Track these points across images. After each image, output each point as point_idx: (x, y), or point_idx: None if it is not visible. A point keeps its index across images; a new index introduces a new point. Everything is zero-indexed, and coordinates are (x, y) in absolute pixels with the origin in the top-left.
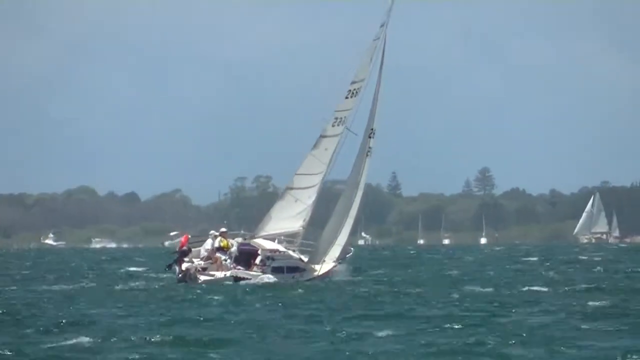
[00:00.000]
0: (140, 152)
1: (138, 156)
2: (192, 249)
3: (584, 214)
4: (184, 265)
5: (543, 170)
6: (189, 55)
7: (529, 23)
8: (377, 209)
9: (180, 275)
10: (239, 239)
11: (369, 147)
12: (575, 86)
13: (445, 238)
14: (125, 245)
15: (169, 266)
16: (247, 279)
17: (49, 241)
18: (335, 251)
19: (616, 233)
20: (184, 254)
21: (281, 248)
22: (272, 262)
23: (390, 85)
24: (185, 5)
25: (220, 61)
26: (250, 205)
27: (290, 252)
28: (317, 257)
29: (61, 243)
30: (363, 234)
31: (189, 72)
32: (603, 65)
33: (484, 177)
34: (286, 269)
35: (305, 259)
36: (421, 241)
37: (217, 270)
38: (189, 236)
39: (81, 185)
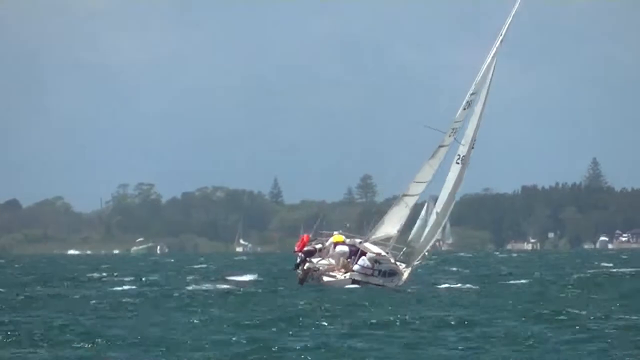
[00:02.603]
0: (20, 159)
1: (18, 163)
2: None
3: (418, 221)
4: (306, 265)
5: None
6: (63, 62)
7: None
8: (258, 216)
9: (301, 275)
10: (357, 240)
11: (468, 157)
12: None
13: None
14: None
15: (297, 266)
16: (365, 282)
17: None
18: (419, 258)
19: (450, 240)
20: (309, 253)
21: (383, 252)
22: (379, 266)
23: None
24: None
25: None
26: (132, 213)
27: (389, 257)
28: (410, 262)
29: None
30: (242, 241)
31: (66, 78)
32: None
33: (366, 185)
34: (387, 272)
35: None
36: None
37: (340, 271)
38: (309, 236)
39: None
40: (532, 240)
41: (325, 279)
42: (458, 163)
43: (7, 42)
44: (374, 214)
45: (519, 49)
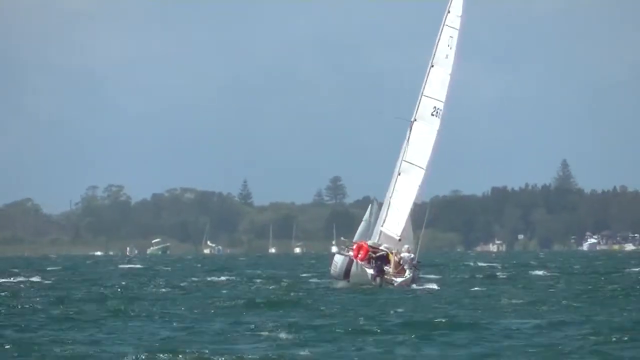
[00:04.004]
0: None
1: None
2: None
3: (362, 222)
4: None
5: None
6: (36, 64)
7: None
8: (227, 217)
9: (380, 281)
10: (386, 245)
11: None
12: None
13: (297, 247)
14: None
15: (379, 273)
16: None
17: None
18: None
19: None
20: (382, 259)
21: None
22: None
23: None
24: None
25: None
26: (101, 214)
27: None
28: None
29: None
30: (209, 243)
31: (38, 80)
32: None
33: (335, 186)
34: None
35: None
36: (272, 250)
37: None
38: (367, 244)
39: None
40: (498, 242)
41: (399, 279)
42: (400, 174)
43: None
44: (343, 215)
45: (487, 50)
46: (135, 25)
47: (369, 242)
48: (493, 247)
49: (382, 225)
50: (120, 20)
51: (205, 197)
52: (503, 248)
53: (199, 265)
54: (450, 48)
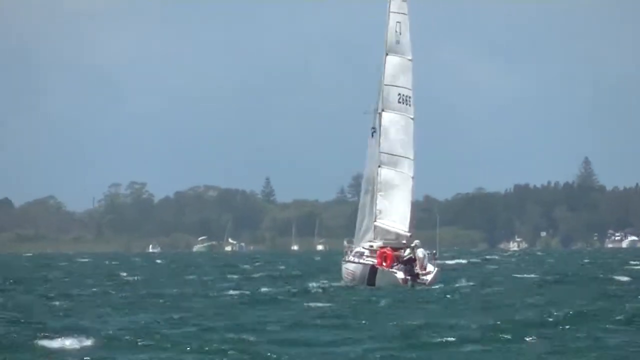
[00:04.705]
0: (12, 158)
1: (11, 162)
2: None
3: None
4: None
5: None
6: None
7: None
8: (250, 215)
9: (412, 282)
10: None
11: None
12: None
13: (320, 244)
14: None
15: (412, 277)
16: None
17: None
18: None
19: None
20: (410, 261)
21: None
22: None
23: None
24: None
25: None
26: (124, 212)
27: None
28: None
29: None
30: (230, 240)
31: (59, 78)
32: None
33: (358, 184)
34: None
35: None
36: (295, 247)
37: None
38: (390, 251)
39: None
40: (518, 239)
41: (428, 277)
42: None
43: None
44: None
45: (510, 49)
46: (154, 23)
47: (378, 243)
48: (513, 245)
49: (376, 220)
50: (139, 18)
51: (228, 194)
52: (524, 245)
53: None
54: (400, 34)
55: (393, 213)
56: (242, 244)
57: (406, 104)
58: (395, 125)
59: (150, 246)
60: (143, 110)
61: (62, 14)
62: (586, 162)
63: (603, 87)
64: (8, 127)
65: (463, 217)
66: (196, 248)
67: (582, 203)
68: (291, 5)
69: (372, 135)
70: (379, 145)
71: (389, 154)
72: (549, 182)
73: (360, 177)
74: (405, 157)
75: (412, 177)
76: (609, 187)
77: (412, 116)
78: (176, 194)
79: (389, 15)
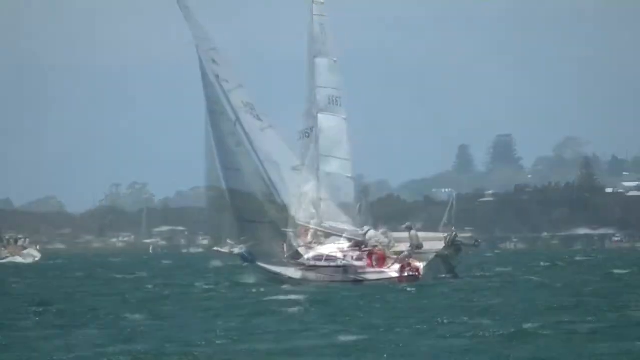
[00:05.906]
0: (13, 158)
1: (11, 162)
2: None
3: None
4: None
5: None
6: (57, 63)
7: None
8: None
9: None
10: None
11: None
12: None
13: None
14: None
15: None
16: None
17: None
18: None
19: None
20: (418, 247)
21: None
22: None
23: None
24: None
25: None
26: (125, 212)
27: None
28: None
29: None
30: (228, 240)
31: (60, 79)
32: None
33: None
34: None
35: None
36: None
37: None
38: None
39: None
40: (515, 240)
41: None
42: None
43: (1, 43)
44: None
45: (509, 47)
46: (154, 23)
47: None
48: (510, 245)
49: (325, 222)
50: (138, 18)
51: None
52: (522, 246)
53: None
54: (325, 35)
55: (343, 214)
56: (242, 246)
57: (337, 105)
58: (330, 125)
59: (151, 247)
60: (145, 110)
61: (66, 14)
62: (587, 163)
63: (603, 87)
64: (8, 128)
65: (461, 216)
66: (194, 249)
67: (583, 204)
68: None
69: (308, 137)
70: (318, 147)
71: (327, 155)
72: (549, 183)
73: (360, 177)
74: (342, 159)
75: (351, 178)
76: (609, 189)
77: (344, 117)
78: (177, 194)
79: (312, 19)
